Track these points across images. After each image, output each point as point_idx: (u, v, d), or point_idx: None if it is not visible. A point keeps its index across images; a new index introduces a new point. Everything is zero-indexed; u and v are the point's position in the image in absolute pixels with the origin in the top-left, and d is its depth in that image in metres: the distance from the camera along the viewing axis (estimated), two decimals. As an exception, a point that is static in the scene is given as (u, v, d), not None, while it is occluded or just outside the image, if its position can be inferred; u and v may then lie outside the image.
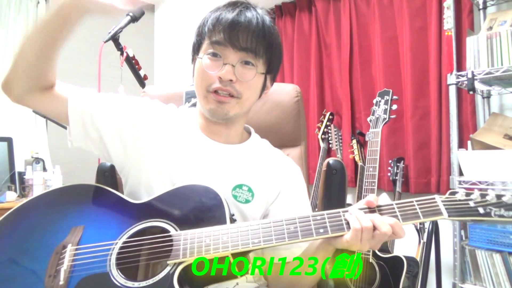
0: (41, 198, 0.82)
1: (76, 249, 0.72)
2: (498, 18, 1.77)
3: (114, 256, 0.70)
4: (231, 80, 0.82)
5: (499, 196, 0.65)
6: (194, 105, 1.14)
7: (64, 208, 0.80)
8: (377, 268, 1.66)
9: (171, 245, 0.70)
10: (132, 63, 1.57)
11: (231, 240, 0.68)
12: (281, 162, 0.97)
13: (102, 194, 0.84)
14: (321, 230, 0.69)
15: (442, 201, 0.68)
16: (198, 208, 0.76)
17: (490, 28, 1.76)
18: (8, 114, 2.88)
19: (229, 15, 0.82)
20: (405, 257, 1.65)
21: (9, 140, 2.35)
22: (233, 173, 0.89)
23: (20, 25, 2.98)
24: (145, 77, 1.62)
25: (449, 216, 0.66)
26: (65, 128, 0.91)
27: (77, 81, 3.52)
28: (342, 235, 0.69)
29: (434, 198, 0.69)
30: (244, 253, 0.71)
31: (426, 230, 1.91)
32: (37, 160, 2.60)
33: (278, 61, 0.91)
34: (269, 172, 0.93)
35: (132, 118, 0.89)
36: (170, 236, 0.71)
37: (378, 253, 1.67)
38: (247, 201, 0.88)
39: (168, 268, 0.68)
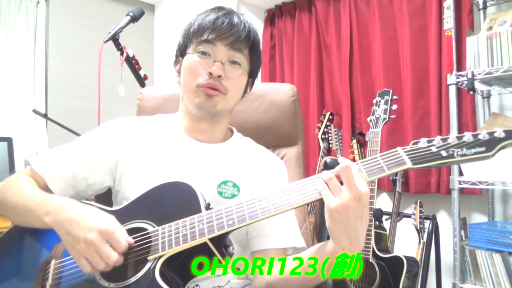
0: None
1: (60, 262, 0.73)
2: (498, 18, 1.77)
3: None
4: (219, 76, 0.86)
5: (459, 137, 0.66)
6: None
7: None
8: (377, 268, 1.66)
9: (150, 242, 0.71)
10: (132, 63, 1.56)
11: (207, 226, 0.69)
12: (265, 157, 1.00)
13: None
14: (292, 200, 0.68)
15: (405, 152, 0.68)
16: (173, 202, 0.76)
17: (490, 28, 1.75)
18: (8, 114, 2.89)
19: (217, 15, 0.88)
20: (405, 257, 1.65)
21: (9, 140, 2.35)
22: (217, 170, 0.92)
23: (20, 25, 2.98)
24: (145, 77, 1.61)
25: (413, 164, 0.66)
26: (65, 128, 0.92)
27: (77, 81, 3.51)
28: (314, 201, 0.68)
29: (396, 150, 0.69)
30: (223, 239, 0.71)
31: (426, 230, 1.91)
32: (37, 160, 2.59)
33: (259, 66, 0.97)
34: (254, 165, 0.96)
35: (114, 154, 0.91)
36: (148, 233, 0.72)
37: (378, 253, 1.67)
38: (233, 196, 0.90)
39: (149, 264, 0.69)
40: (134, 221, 0.76)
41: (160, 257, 0.69)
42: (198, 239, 0.68)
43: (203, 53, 0.87)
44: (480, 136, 0.64)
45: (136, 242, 0.71)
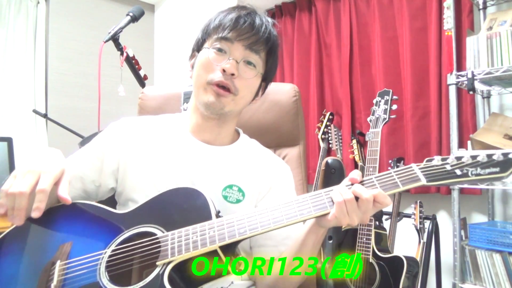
0: (27, 221, 0.78)
1: (65, 264, 0.72)
2: (498, 18, 1.77)
3: (103, 265, 0.70)
4: (232, 75, 0.84)
5: (474, 157, 0.66)
6: None
7: (51, 227, 0.79)
8: (377, 268, 1.66)
9: (159, 247, 0.70)
10: (132, 63, 1.56)
11: (218, 234, 0.68)
12: (271, 161, 0.99)
13: (87, 209, 0.83)
14: (305, 212, 0.69)
15: (420, 168, 0.69)
16: (183, 209, 0.76)
17: (490, 28, 1.76)
18: (8, 114, 2.88)
19: (239, 14, 0.87)
20: (405, 257, 1.65)
21: (9, 140, 2.34)
22: (222, 174, 0.91)
23: (20, 25, 2.98)
24: (145, 77, 1.62)
25: (427, 181, 0.67)
26: (65, 128, 0.91)
27: (77, 81, 3.51)
28: (327, 214, 0.69)
29: (411, 167, 0.70)
30: (233, 247, 0.71)
31: (426, 230, 1.91)
32: (37, 160, 2.59)
33: (274, 70, 0.96)
34: (260, 171, 0.94)
35: (116, 155, 0.91)
36: (157, 238, 0.72)
37: (378, 253, 1.67)
38: (238, 201, 0.89)
39: (157, 269, 0.68)
40: (143, 225, 0.75)
41: (169, 262, 0.68)
42: (208, 246, 0.67)
43: (220, 49, 0.86)
44: (494, 157, 0.65)
45: (145, 246, 0.71)
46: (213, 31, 0.88)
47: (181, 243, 0.69)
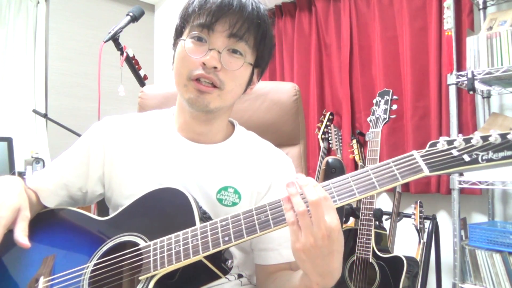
0: (10, 233, 0.75)
1: (49, 281, 0.70)
2: (498, 18, 1.77)
3: (86, 282, 0.68)
4: (215, 68, 0.74)
5: (485, 138, 0.56)
6: None
7: (33, 239, 0.74)
8: (377, 268, 1.66)
9: (141, 259, 0.66)
10: (132, 63, 1.56)
11: (202, 243, 0.63)
12: (270, 156, 0.90)
13: (69, 217, 0.81)
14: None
15: (422, 156, 0.59)
16: (166, 213, 0.71)
17: (490, 28, 1.76)
18: (8, 114, 2.89)
19: None
20: (405, 257, 1.65)
21: (9, 140, 2.35)
22: (216, 175, 0.83)
23: (20, 25, 2.98)
24: (145, 77, 1.61)
25: (430, 171, 0.57)
26: (65, 128, 0.90)
27: (77, 81, 3.50)
28: None
29: (412, 155, 0.60)
30: (220, 253, 0.66)
31: (426, 230, 1.91)
32: (37, 160, 2.60)
33: (269, 54, 0.86)
34: (257, 168, 0.86)
35: (100, 160, 0.85)
36: (139, 249, 0.67)
37: (378, 253, 1.67)
38: (234, 204, 0.82)
39: (140, 285, 0.64)
40: (125, 234, 0.72)
41: (152, 276, 0.64)
42: (192, 257, 0.63)
43: (199, 38, 0.76)
44: (509, 136, 0.55)
45: (127, 259, 0.68)
46: (191, 16, 0.77)
47: (163, 255, 0.65)
